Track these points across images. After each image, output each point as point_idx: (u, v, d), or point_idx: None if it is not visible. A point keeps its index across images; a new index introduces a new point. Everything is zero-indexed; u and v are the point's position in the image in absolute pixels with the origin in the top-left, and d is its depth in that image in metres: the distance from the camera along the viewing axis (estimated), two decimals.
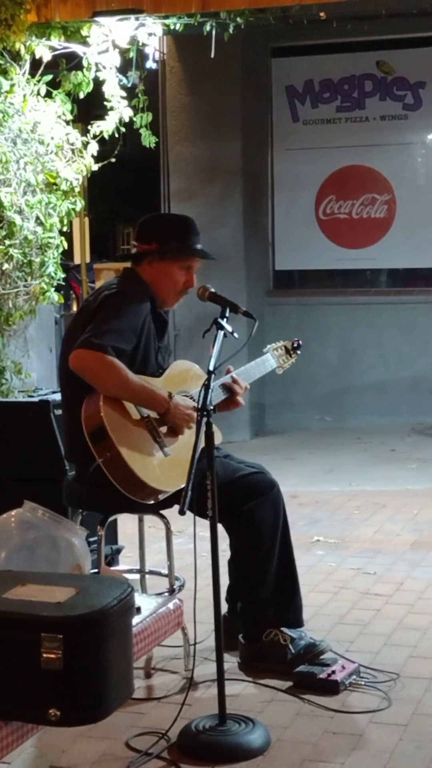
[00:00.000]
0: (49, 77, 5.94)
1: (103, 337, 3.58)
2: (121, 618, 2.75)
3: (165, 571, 4.00)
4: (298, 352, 4.29)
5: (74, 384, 3.68)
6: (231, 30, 6.35)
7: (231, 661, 3.79)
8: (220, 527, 3.39)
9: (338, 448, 8.28)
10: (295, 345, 4.28)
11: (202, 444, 3.27)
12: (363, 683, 3.69)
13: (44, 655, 2.62)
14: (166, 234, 3.90)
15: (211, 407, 3.31)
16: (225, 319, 3.53)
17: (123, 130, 6.08)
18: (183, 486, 3.21)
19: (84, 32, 5.85)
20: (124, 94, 6.00)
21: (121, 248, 18.48)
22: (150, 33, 5.98)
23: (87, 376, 3.60)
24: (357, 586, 4.84)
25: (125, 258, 4.10)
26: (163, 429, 3.70)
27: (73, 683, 2.63)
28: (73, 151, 6.00)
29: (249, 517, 3.81)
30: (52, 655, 2.61)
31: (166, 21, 6.02)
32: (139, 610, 3.38)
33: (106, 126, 5.99)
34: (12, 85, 5.68)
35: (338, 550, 5.47)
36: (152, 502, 3.70)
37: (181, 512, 3.16)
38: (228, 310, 3.59)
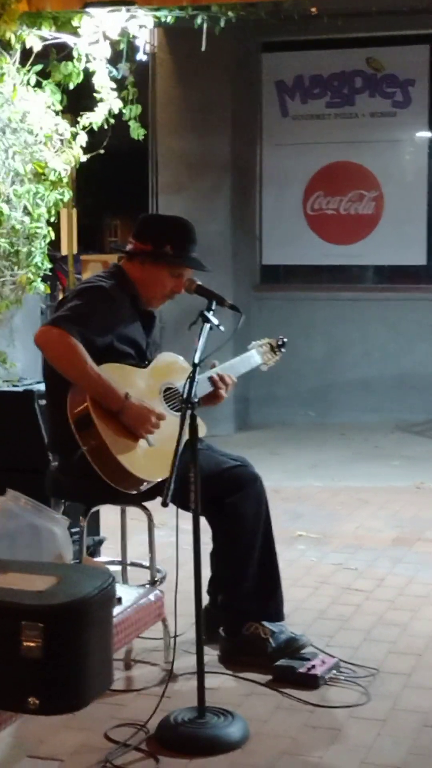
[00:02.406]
0: (39, 67, 5.92)
1: (71, 320, 3.58)
2: (101, 608, 2.75)
3: (146, 563, 4.01)
4: (283, 349, 4.29)
5: (57, 374, 3.67)
6: (222, 24, 6.34)
7: (211, 654, 3.79)
8: (202, 520, 3.40)
9: (322, 444, 8.30)
10: (280, 342, 4.28)
11: (186, 436, 3.27)
12: (342, 678, 3.71)
13: (24, 644, 2.62)
14: (164, 238, 3.87)
15: (196, 400, 3.31)
16: (211, 312, 3.53)
17: (112, 122, 6.06)
18: (166, 477, 3.21)
19: (75, 23, 5.82)
20: (113, 85, 5.98)
21: (108, 240, 18.48)
22: (141, 25, 5.95)
23: (47, 352, 3.62)
24: (338, 582, 4.85)
25: (118, 251, 4.07)
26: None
27: (52, 672, 2.63)
28: (62, 141, 5.98)
29: (231, 510, 3.81)
30: (32, 644, 2.61)
31: (158, 13, 6.00)
32: (120, 600, 3.38)
33: (95, 117, 5.97)
34: (2, 75, 5.65)
35: (320, 546, 5.48)
36: (135, 492, 3.70)
37: (164, 504, 3.16)
38: (214, 303, 3.58)
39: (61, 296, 8.89)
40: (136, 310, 3.87)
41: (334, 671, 3.73)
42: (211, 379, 3.89)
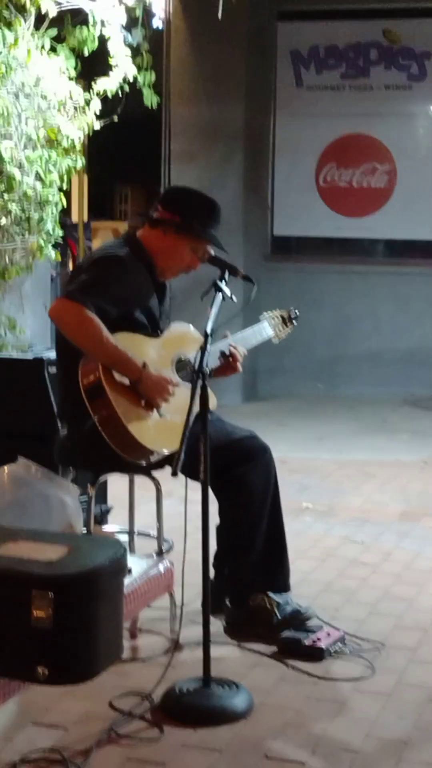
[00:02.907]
0: (54, 32, 5.87)
1: (87, 292, 3.55)
2: (113, 578, 2.75)
3: (154, 532, 4.01)
4: (295, 322, 4.26)
5: (69, 342, 3.65)
6: None
7: (217, 625, 3.79)
8: (210, 492, 3.40)
9: (330, 417, 8.29)
10: (293, 315, 4.25)
11: (196, 407, 3.26)
12: (347, 651, 3.71)
13: (34, 613, 2.61)
14: (193, 212, 3.82)
15: (207, 370, 3.30)
16: (224, 282, 3.51)
17: (126, 88, 6.01)
18: (176, 449, 3.20)
19: None
20: (128, 52, 5.94)
21: (118, 208, 18.39)
22: None
23: (62, 326, 3.59)
24: (344, 555, 4.86)
25: (142, 216, 4.04)
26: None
27: (62, 642, 2.63)
28: (75, 107, 5.94)
29: (240, 481, 3.81)
30: (43, 613, 2.61)
31: None
32: (130, 571, 3.38)
33: (109, 84, 5.93)
34: (16, 39, 5.61)
35: (327, 518, 5.48)
36: (145, 462, 3.69)
37: (174, 474, 3.16)
38: (227, 273, 3.56)
39: (71, 263, 8.90)
40: (151, 279, 3.84)
41: (340, 644, 3.73)
42: (223, 351, 3.87)
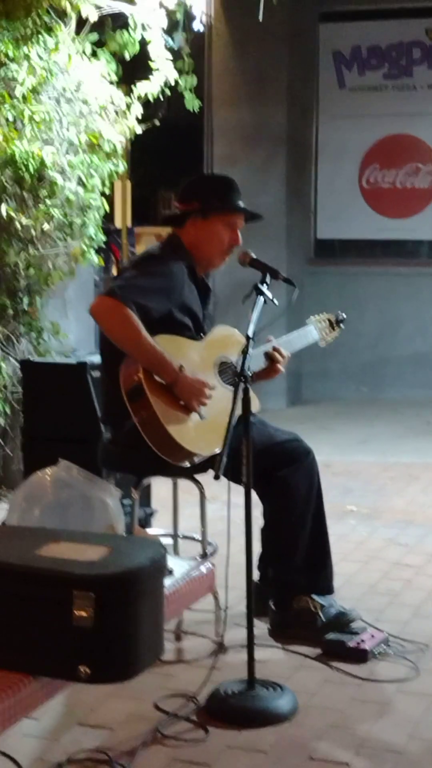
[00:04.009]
0: (95, 37, 5.90)
1: (127, 290, 3.56)
2: (153, 578, 2.76)
3: (198, 536, 4.01)
4: (342, 326, 4.25)
5: (114, 346, 3.66)
6: None
7: (261, 627, 3.79)
8: (254, 494, 3.39)
9: (373, 419, 8.25)
10: (340, 318, 4.23)
11: (239, 410, 3.26)
12: (392, 653, 3.70)
13: (76, 613, 2.63)
14: (208, 192, 3.87)
15: (249, 373, 3.30)
16: (265, 285, 3.51)
17: (167, 92, 6.03)
18: (217, 451, 3.20)
19: None
20: (169, 56, 5.95)
21: (162, 213, 18.39)
22: None
23: (101, 323, 3.61)
24: (388, 557, 4.84)
25: (168, 220, 4.08)
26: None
27: (103, 641, 2.64)
28: (116, 112, 5.97)
29: (283, 484, 3.81)
30: (84, 613, 2.62)
31: None
32: (171, 572, 3.39)
33: (150, 88, 5.95)
34: (57, 44, 5.65)
35: (370, 520, 5.46)
36: (186, 465, 3.69)
37: (216, 477, 3.16)
38: (269, 277, 3.56)
39: (114, 269, 8.93)
40: (193, 280, 3.84)
41: (384, 646, 3.72)
42: (266, 354, 3.87)
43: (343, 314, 4.26)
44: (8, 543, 2.91)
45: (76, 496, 3.40)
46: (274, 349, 3.87)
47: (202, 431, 3.63)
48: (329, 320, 4.21)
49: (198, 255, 3.85)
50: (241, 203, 3.87)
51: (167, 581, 3.19)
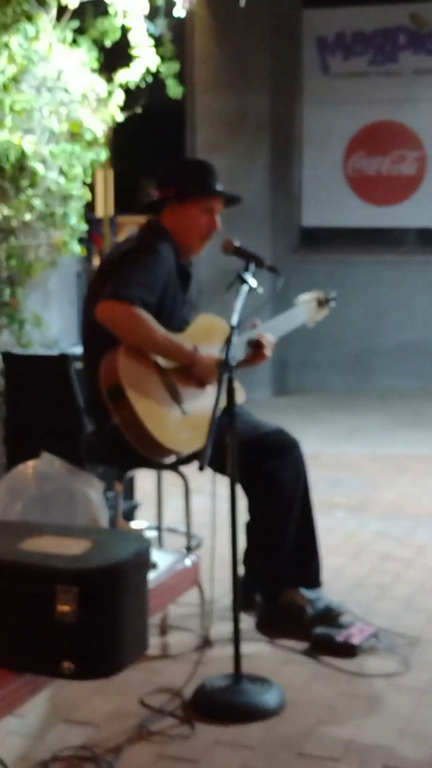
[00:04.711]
0: (75, 24, 5.83)
1: (130, 288, 3.51)
2: (137, 572, 2.73)
3: (182, 528, 3.97)
4: (331, 304, 4.19)
5: (96, 338, 3.62)
6: None
7: (248, 621, 3.76)
8: (239, 486, 3.35)
9: (361, 410, 8.21)
10: (329, 297, 4.18)
11: (223, 401, 3.21)
12: (381, 647, 3.66)
13: (59, 608, 2.60)
14: (184, 177, 3.84)
15: (233, 363, 3.25)
16: (249, 274, 3.46)
17: (149, 80, 5.97)
18: (199, 449, 3.15)
19: None
20: (151, 42, 5.89)
21: (144, 202, 18.30)
22: None
23: (114, 327, 3.53)
24: (377, 550, 4.80)
25: (146, 207, 4.03)
26: (186, 385, 3.62)
27: (87, 636, 2.61)
28: (98, 100, 5.90)
29: (269, 476, 3.76)
30: (67, 608, 2.59)
31: None
32: (155, 565, 3.35)
33: (131, 75, 5.88)
34: (38, 32, 5.57)
35: (359, 513, 5.42)
36: (170, 461, 3.64)
37: (201, 468, 3.11)
38: (253, 265, 3.51)
39: (97, 259, 8.86)
40: (176, 266, 3.79)
41: (373, 640, 3.68)
42: (249, 341, 3.81)
43: (334, 292, 4.20)
44: None
45: (59, 489, 3.36)
46: (258, 336, 3.81)
47: (184, 428, 3.58)
48: (318, 299, 4.16)
49: (178, 241, 3.80)
50: (218, 187, 3.82)
51: (151, 575, 3.15)
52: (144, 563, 2.79)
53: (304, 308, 4.11)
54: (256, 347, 3.80)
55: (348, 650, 3.60)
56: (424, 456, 6.69)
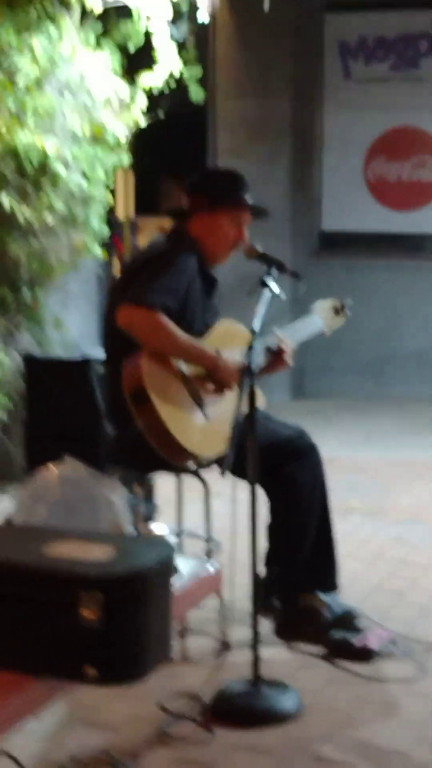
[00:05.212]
0: (99, 28, 5.85)
1: (151, 294, 3.52)
2: (161, 579, 2.73)
3: (202, 533, 3.98)
4: (348, 312, 4.20)
5: (118, 342, 3.63)
6: None
7: (266, 626, 3.75)
8: (259, 491, 3.36)
9: (377, 415, 8.21)
10: (345, 304, 4.18)
11: (244, 406, 3.22)
12: (398, 652, 3.67)
13: (83, 613, 2.60)
14: (217, 187, 3.85)
15: (255, 368, 3.26)
16: (271, 278, 3.47)
17: (172, 84, 5.98)
18: (221, 454, 3.17)
19: None
20: (174, 47, 5.90)
21: (164, 204, 18.32)
22: None
23: (136, 333, 3.54)
24: (394, 555, 4.80)
25: (174, 213, 4.03)
26: (207, 390, 3.63)
27: (111, 642, 2.61)
28: (120, 104, 5.92)
29: (288, 480, 3.78)
30: (91, 614, 2.60)
31: None
32: (178, 571, 3.36)
33: (154, 80, 5.90)
34: (61, 34, 5.59)
35: (375, 518, 5.43)
36: (192, 466, 3.66)
37: (222, 473, 3.13)
38: (274, 270, 3.52)
39: (117, 261, 8.88)
40: (201, 272, 3.80)
41: (390, 645, 3.69)
42: (267, 348, 3.81)
43: (349, 300, 4.21)
44: (14, 542, 2.88)
45: (82, 494, 3.36)
46: (279, 342, 3.82)
47: (207, 433, 3.59)
48: (334, 307, 4.17)
49: (204, 249, 3.81)
50: (250, 200, 3.83)
51: (175, 581, 3.16)
52: (168, 570, 2.80)
53: (321, 316, 4.11)
54: (276, 354, 3.81)
55: (365, 655, 3.61)
56: None
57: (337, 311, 4.18)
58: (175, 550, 2.91)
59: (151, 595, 2.67)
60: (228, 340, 3.80)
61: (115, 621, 2.60)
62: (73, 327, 6.24)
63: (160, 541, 2.97)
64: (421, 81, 9.04)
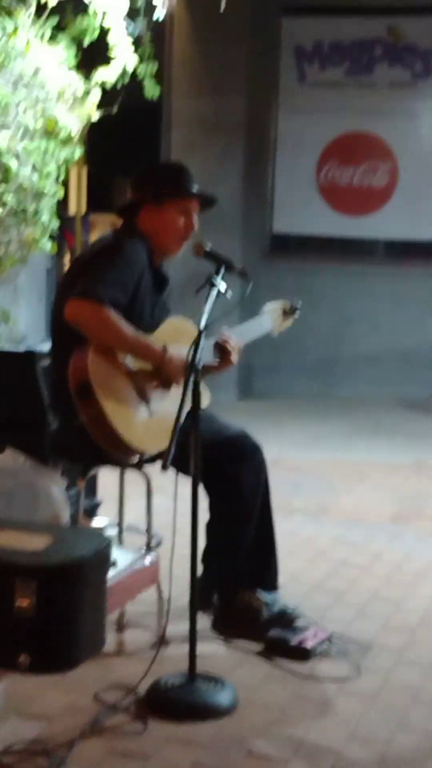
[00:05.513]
0: (54, 21, 5.82)
1: (99, 287, 3.52)
2: (96, 570, 2.75)
3: (143, 527, 3.99)
4: (296, 314, 4.23)
5: (65, 336, 3.62)
6: None
7: (204, 621, 3.78)
8: (201, 487, 3.38)
9: (324, 417, 8.26)
10: (294, 306, 4.21)
11: (188, 403, 3.23)
12: (334, 651, 3.70)
13: (18, 602, 2.61)
14: (161, 179, 3.87)
15: (200, 366, 3.28)
16: (219, 277, 3.49)
17: (126, 79, 5.98)
18: (164, 449, 3.18)
19: None
20: (129, 42, 5.90)
21: (118, 200, 18.28)
22: None
23: (82, 327, 3.54)
24: (335, 555, 4.84)
25: (122, 209, 4.03)
26: (153, 386, 3.65)
27: (44, 631, 2.63)
28: (74, 98, 5.90)
29: (231, 479, 3.80)
30: (26, 602, 2.61)
31: None
32: (114, 563, 3.37)
33: (109, 75, 5.89)
34: (16, 27, 5.56)
35: (318, 518, 5.47)
36: (134, 461, 3.67)
37: (164, 468, 3.14)
38: (223, 269, 3.54)
39: (68, 256, 8.86)
40: (150, 267, 3.81)
41: (327, 644, 3.72)
42: (216, 344, 3.83)
43: (299, 301, 4.24)
44: None
45: (22, 485, 3.37)
46: (224, 339, 3.84)
47: (150, 429, 3.60)
48: (283, 309, 4.20)
49: (154, 243, 3.82)
50: (195, 188, 3.85)
51: (111, 573, 3.17)
52: (103, 561, 2.81)
53: (270, 317, 4.14)
54: (222, 352, 3.83)
55: (301, 653, 3.63)
56: (384, 464, 6.76)
57: (287, 313, 4.21)
58: (111, 542, 2.91)
59: (85, 586, 2.69)
60: (176, 337, 3.80)
61: (49, 610, 2.61)
62: (21, 320, 6.22)
63: (97, 533, 2.98)
64: (374, 87, 9.13)
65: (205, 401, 3.63)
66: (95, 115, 6.02)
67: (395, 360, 9.05)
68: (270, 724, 3.18)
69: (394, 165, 9.15)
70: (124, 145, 9.73)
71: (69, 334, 3.59)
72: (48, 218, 5.88)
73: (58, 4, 5.69)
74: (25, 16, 5.65)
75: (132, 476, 3.97)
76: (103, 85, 5.95)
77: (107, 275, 3.58)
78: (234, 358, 3.85)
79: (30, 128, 5.70)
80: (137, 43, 6.06)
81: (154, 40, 6.25)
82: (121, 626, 3.80)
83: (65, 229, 8.13)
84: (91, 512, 4.71)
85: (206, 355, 3.68)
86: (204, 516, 3.74)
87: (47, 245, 5.99)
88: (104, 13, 5.81)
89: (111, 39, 5.84)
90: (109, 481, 4.49)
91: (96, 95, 5.93)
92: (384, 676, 3.54)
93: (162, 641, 3.56)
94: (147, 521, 3.89)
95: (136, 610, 3.85)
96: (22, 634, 2.63)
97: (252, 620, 3.79)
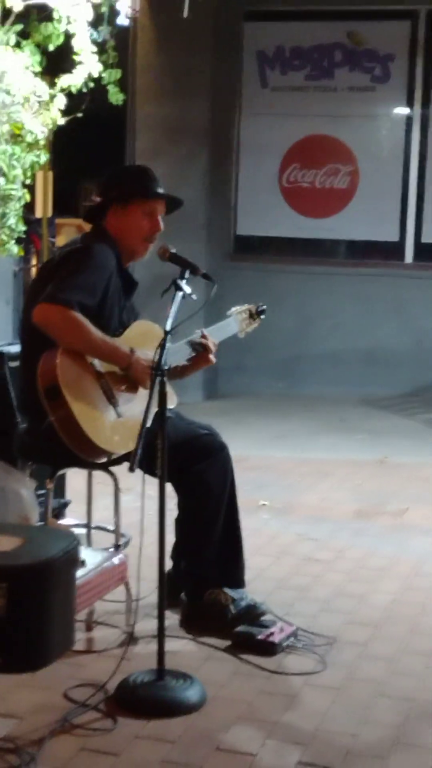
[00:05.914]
0: (19, 27, 5.85)
1: (67, 291, 3.56)
2: (65, 570, 2.79)
3: (111, 527, 4.03)
4: (262, 317, 4.30)
5: (34, 338, 3.66)
6: None
7: (172, 618, 3.83)
8: (168, 486, 3.43)
9: (288, 415, 8.33)
10: (260, 309, 4.28)
11: (155, 405, 3.29)
12: (300, 646, 3.75)
13: None
14: (125, 181, 3.92)
15: (166, 367, 3.33)
16: (184, 281, 3.54)
17: (91, 85, 6.02)
18: (131, 450, 3.23)
19: None
20: (94, 48, 5.94)
21: (84, 204, 18.29)
22: None
23: (50, 330, 3.58)
24: (299, 552, 4.90)
25: (89, 213, 4.08)
26: (120, 388, 3.70)
27: (14, 631, 2.66)
28: (39, 103, 5.93)
29: (197, 478, 3.85)
30: None
31: None
32: (83, 563, 3.41)
33: (74, 80, 5.93)
34: None
35: (283, 515, 5.52)
36: (102, 461, 3.72)
37: (131, 469, 3.19)
38: (188, 272, 3.60)
39: (34, 260, 8.88)
40: (119, 271, 3.86)
41: (292, 639, 3.77)
42: (192, 343, 3.89)
43: (264, 305, 4.31)
44: None
45: None
46: (204, 337, 3.90)
47: (118, 430, 3.65)
48: (249, 311, 4.26)
49: (121, 245, 3.87)
50: (160, 190, 3.90)
51: (79, 572, 3.21)
52: (72, 561, 2.85)
53: (236, 319, 4.20)
54: (203, 349, 3.88)
55: (268, 648, 3.68)
56: (347, 461, 6.84)
57: (252, 315, 4.27)
58: (80, 542, 2.96)
59: (55, 586, 2.72)
60: (144, 340, 3.85)
61: (19, 610, 2.64)
62: None
63: (66, 533, 3.02)
64: (335, 90, 9.23)
65: (172, 402, 3.68)
66: (61, 120, 6.05)
67: (358, 359, 9.15)
68: (238, 719, 3.22)
69: (355, 167, 9.25)
70: (89, 150, 9.76)
71: (38, 337, 3.63)
72: (15, 222, 5.90)
73: (23, 10, 5.72)
74: None
75: (100, 476, 4.01)
76: (68, 91, 5.98)
77: (75, 279, 3.62)
78: (212, 357, 3.91)
79: None
80: (102, 49, 6.11)
81: (118, 46, 6.29)
82: (90, 625, 3.83)
83: (31, 232, 8.14)
84: (60, 513, 4.75)
85: (175, 357, 3.73)
86: (172, 514, 3.78)
87: (14, 249, 6.01)
88: (69, 19, 5.85)
89: (75, 45, 5.88)
90: (77, 482, 4.54)
91: (61, 101, 5.97)
92: (349, 670, 3.60)
93: (131, 639, 3.61)
94: (115, 521, 3.93)
95: (104, 608, 3.89)
96: None
97: (219, 616, 3.84)
